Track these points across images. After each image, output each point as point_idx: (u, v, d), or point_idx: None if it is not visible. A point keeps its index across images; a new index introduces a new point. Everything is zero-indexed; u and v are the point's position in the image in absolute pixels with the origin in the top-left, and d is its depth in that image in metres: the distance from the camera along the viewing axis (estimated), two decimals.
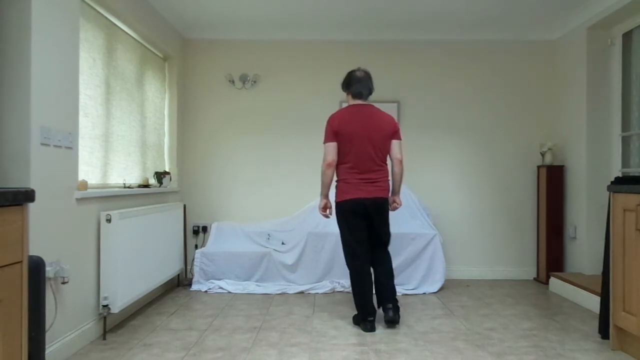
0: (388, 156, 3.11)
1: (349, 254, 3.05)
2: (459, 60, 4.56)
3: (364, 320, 2.96)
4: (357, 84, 3.07)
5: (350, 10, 4.02)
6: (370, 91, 3.10)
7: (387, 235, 3.13)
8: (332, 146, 3.00)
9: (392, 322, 2.99)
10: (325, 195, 3.10)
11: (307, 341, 2.75)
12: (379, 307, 3.10)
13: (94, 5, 2.98)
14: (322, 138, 4.48)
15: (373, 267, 3.10)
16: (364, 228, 3.04)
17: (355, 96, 3.09)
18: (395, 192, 3.16)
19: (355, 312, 3.19)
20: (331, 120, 3.02)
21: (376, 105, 4.45)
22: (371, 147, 2.99)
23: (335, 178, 3.10)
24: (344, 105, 4.44)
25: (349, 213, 3.01)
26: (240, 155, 4.56)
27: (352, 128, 2.97)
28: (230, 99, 4.55)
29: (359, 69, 3.12)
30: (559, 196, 4.26)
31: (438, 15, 4.13)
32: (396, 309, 3.00)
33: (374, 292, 3.06)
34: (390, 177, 3.11)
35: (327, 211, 3.15)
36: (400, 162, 3.09)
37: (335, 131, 2.98)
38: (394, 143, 3.08)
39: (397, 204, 3.17)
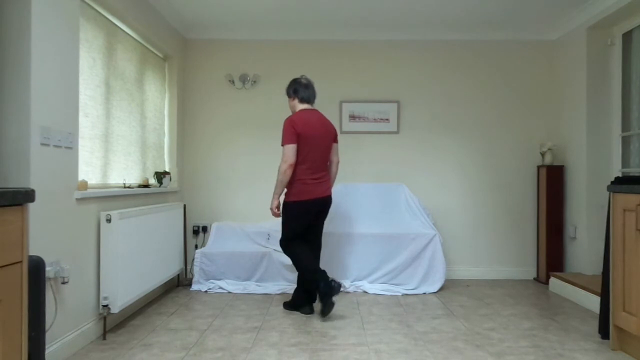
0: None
1: (294, 243, 3.27)
2: (459, 60, 4.56)
3: (327, 284, 3.04)
4: (305, 90, 3.34)
5: (350, 10, 4.02)
6: (314, 97, 3.38)
7: (322, 227, 3.46)
8: (294, 148, 3.17)
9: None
10: (279, 195, 3.27)
11: (307, 341, 2.75)
12: (314, 301, 3.37)
13: (94, 5, 2.98)
14: None
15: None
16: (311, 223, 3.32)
17: (304, 101, 3.35)
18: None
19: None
20: (292, 123, 3.17)
21: (376, 105, 4.52)
22: (323, 149, 3.27)
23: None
24: (344, 105, 4.50)
25: (304, 212, 3.23)
26: (240, 155, 4.56)
27: (312, 131, 3.21)
28: (230, 99, 4.55)
29: (303, 77, 3.38)
30: (559, 196, 4.26)
31: (438, 16, 4.13)
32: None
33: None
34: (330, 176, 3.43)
35: (277, 211, 3.30)
36: (339, 163, 3.51)
37: (299, 133, 3.17)
38: (335, 146, 3.41)
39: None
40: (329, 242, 4.00)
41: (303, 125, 3.18)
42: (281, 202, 3.48)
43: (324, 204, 3.30)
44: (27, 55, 2.17)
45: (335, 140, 3.40)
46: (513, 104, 4.56)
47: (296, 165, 3.20)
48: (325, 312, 3.11)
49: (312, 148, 3.21)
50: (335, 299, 3.11)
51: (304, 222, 3.27)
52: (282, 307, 3.48)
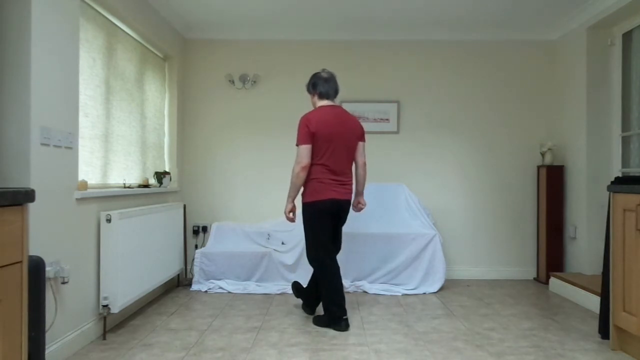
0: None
1: (323, 252, 3.03)
2: (459, 60, 4.56)
3: (339, 319, 2.94)
4: (324, 84, 3.08)
5: (350, 10, 4.02)
6: (336, 91, 3.12)
7: (341, 237, 3.22)
8: (308, 149, 2.95)
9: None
10: (293, 198, 3.06)
11: (307, 341, 2.75)
12: (318, 305, 3.23)
13: (94, 5, 2.98)
14: None
15: None
16: (332, 226, 3.08)
17: (323, 96, 3.09)
18: (360, 193, 3.23)
19: (317, 314, 3.21)
20: (307, 122, 2.96)
21: (376, 105, 4.52)
22: (345, 149, 3.03)
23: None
24: (344, 105, 4.49)
25: (322, 213, 3.00)
26: (240, 155, 4.56)
27: (329, 129, 2.97)
28: (230, 99, 4.55)
29: (323, 70, 3.13)
30: (559, 196, 4.26)
31: (438, 16, 4.13)
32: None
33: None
34: (353, 180, 3.17)
35: (292, 215, 3.11)
36: (365, 164, 3.18)
37: (313, 133, 2.94)
38: (360, 145, 3.14)
39: (363, 205, 3.26)
40: None
41: (318, 123, 2.94)
42: (297, 206, 3.21)
43: (341, 207, 3.04)
44: (27, 55, 2.17)
45: (360, 138, 3.12)
46: (513, 103, 4.56)
47: (313, 166, 2.98)
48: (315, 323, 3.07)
49: (331, 148, 2.97)
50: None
51: (323, 226, 3.01)
52: (282, 307, 3.47)
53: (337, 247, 3.21)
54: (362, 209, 3.28)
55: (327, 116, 2.99)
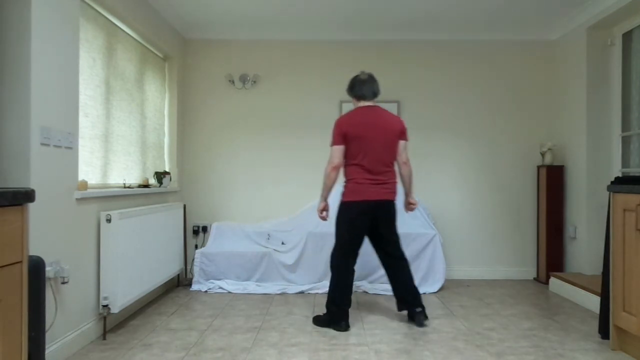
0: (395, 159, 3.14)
1: (343, 252, 3.04)
2: (459, 60, 4.56)
3: (340, 320, 2.95)
4: (360, 86, 3.09)
5: (350, 10, 4.02)
6: (374, 93, 3.10)
7: (396, 237, 3.13)
8: (339, 149, 3.00)
9: (423, 325, 3.06)
10: (325, 197, 3.10)
11: (307, 341, 2.75)
12: (400, 310, 3.15)
13: (94, 5, 2.98)
14: (322, 138, 4.52)
15: (394, 273, 3.11)
16: (366, 230, 3.06)
17: (360, 98, 3.11)
18: (408, 193, 3.21)
19: (321, 313, 3.23)
20: (339, 123, 3.01)
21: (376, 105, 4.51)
22: (381, 148, 3.01)
23: (343, 178, 3.11)
24: (344, 105, 4.49)
25: (356, 214, 3.00)
26: (240, 155, 4.56)
27: (362, 129, 2.98)
28: (230, 99, 4.55)
29: (362, 72, 3.14)
30: (559, 196, 4.26)
31: (438, 16, 4.13)
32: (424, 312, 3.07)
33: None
34: (398, 180, 3.13)
35: (324, 214, 3.14)
36: (406, 164, 3.14)
37: (344, 133, 2.98)
38: (401, 144, 3.11)
39: (414, 204, 3.20)
40: (328, 242, 4.00)
41: (349, 125, 2.98)
42: (330, 205, 3.17)
43: (380, 208, 3.01)
44: (27, 55, 2.17)
45: (400, 137, 3.08)
46: (513, 104, 4.56)
47: (350, 166, 3.02)
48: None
49: (364, 148, 2.98)
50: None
51: (355, 228, 3.00)
52: (282, 307, 3.47)
53: (389, 251, 3.11)
54: (413, 209, 3.21)
55: (359, 117, 3.02)
